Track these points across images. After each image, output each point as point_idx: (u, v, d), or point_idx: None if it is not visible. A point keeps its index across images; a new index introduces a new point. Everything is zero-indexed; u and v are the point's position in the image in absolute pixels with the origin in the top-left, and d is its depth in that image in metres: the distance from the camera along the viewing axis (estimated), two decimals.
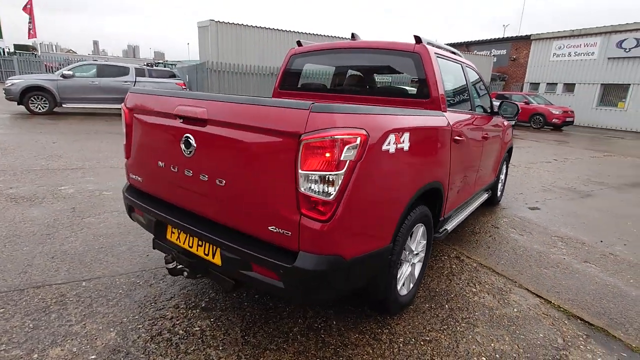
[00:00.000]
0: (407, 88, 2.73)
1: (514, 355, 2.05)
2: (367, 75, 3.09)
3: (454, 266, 3.08)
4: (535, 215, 4.56)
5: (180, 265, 2.03)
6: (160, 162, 2.05)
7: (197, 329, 2.08)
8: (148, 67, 13.89)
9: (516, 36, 22.62)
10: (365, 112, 1.62)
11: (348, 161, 1.48)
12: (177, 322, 2.13)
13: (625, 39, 16.89)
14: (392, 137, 1.75)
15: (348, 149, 1.46)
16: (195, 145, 1.81)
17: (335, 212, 1.50)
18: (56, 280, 2.47)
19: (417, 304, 2.48)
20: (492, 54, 23.28)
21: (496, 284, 2.83)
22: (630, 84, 17.05)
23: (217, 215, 1.85)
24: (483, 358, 2.00)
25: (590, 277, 3.04)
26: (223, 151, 1.72)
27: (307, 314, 2.28)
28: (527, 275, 3.01)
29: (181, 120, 1.88)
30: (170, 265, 2.02)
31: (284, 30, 14.15)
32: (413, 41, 2.63)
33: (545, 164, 8.17)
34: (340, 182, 1.47)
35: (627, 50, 16.87)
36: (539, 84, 20.99)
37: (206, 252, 1.92)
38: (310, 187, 1.47)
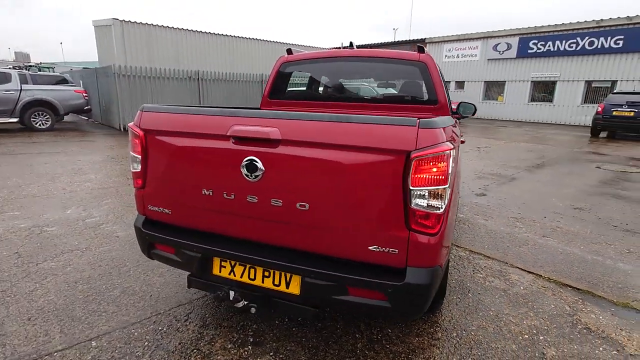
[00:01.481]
0: (416, 96, 2.87)
1: (545, 328, 2.33)
2: (371, 83, 3.14)
3: (451, 257, 3.34)
4: (486, 200, 5.18)
5: (242, 301, 1.83)
6: (205, 190, 1.81)
7: None
8: (30, 73, 11.80)
9: (414, 39, 25.06)
10: (448, 125, 1.68)
11: (451, 174, 1.52)
12: None
13: (499, 43, 20.06)
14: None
15: (451, 162, 1.50)
16: (263, 168, 1.65)
17: (442, 225, 1.53)
18: (55, 347, 2.00)
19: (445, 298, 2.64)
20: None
21: (494, 267, 3.16)
22: (505, 81, 20.34)
23: (295, 242, 1.72)
24: (526, 336, 2.24)
25: (555, 249, 3.59)
26: (305, 173, 1.60)
27: (360, 327, 2.26)
28: (511, 255, 3.43)
29: (234, 141, 1.70)
30: (240, 304, 1.80)
31: (202, 32, 13.35)
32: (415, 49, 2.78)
33: (465, 154, 9.27)
34: (447, 195, 1.50)
35: (501, 52, 20.05)
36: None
37: (276, 283, 1.77)
38: (421, 203, 1.48)
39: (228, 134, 1.70)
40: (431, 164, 1.44)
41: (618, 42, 15.95)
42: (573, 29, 17.21)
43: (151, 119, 1.93)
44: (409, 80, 2.89)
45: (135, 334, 2.13)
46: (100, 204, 4.46)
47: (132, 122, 2.01)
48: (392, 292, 1.54)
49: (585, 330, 2.32)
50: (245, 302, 1.81)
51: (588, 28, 16.74)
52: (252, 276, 1.83)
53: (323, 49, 18.33)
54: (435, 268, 1.58)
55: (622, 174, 7.07)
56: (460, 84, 22.52)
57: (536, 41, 18.42)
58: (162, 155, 1.92)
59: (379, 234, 1.55)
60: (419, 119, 1.46)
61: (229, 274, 1.87)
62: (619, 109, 12.02)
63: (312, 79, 3.25)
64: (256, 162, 1.65)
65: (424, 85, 2.76)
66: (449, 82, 22.78)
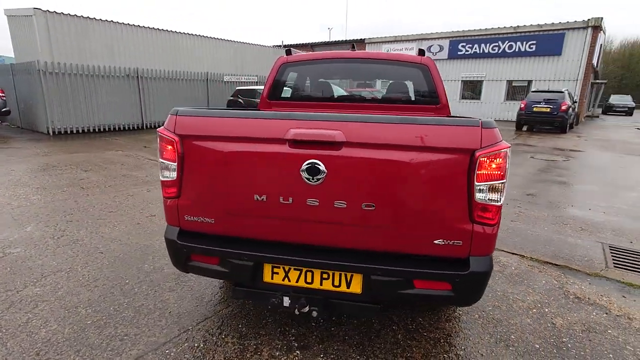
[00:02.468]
0: (418, 97, 3.02)
1: (546, 301, 2.64)
2: (372, 84, 3.22)
3: None
4: None
5: (307, 306, 1.81)
6: (259, 196, 1.76)
7: None
8: None
9: (352, 39, 25.85)
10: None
11: (508, 169, 1.67)
12: None
13: (432, 45, 21.56)
14: None
15: (508, 158, 1.65)
16: (326, 171, 1.65)
17: (499, 215, 1.67)
18: None
19: None
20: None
21: None
22: None
23: (358, 241, 1.74)
24: (534, 310, 2.52)
25: (525, 231, 4.03)
26: (371, 174, 1.64)
27: (393, 319, 2.36)
28: None
29: (290, 145, 1.68)
30: (306, 309, 1.78)
31: (142, 27, 12.37)
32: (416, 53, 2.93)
33: None
34: (504, 188, 1.65)
35: (434, 53, 21.56)
36: (376, 81, 24.74)
37: (336, 284, 1.79)
38: (483, 197, 1.61)
39: (286, 137, 1.67)
40: (493, 161, 1.57)
41: (532, 46, 18.08)
42: (495, 34, 19.12)
43: (189, 124, 1.81)
44: (412, 81, 3.04)
45: (172, 354, 1.99)
46: (63, 218, 3.99)
47: (163, 127, 1.87)
48: (459, 281, 1.66)
49: (576, 300, 2.67)
50: (305, 307, 1.79)
51: (507, 33, 18.72)
52: (309, 280, 1.82)
53: (268, 47, 18.12)
54: (491, 255, 1.73)
55: (553, 162, 8.09)
56: None
57: (464, 44, 20.12)
58: (204, 162, 1.81)
59: (444, 228, 1.65)
60: (480, 119, 1.58)
61: (283, 279, 1.84)
62: (538, 105, 13.66)
63: (312, 80, 3.25)
64: (318, 165, 1.65)
65: (426, 86, 2.93)
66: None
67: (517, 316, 2.44)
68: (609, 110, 28.49)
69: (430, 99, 2.93)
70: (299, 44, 28.74)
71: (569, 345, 2.16)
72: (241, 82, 16.02)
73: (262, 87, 13.40)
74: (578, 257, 3.41)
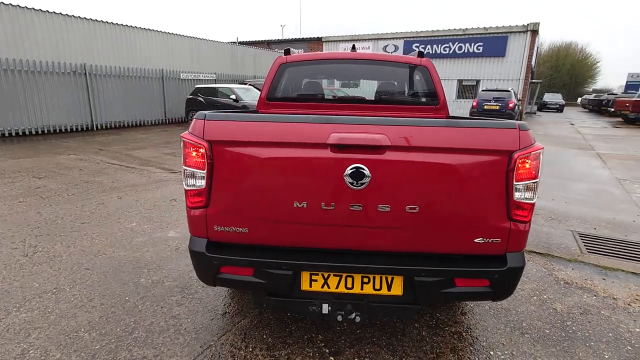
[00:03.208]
0: (419, 97, 3.08)
1: (542, 288, 2.84)
2: (373, 86, 3.23)
3: None
4: None
5: (341, 313, 1.79)
6: (298, 203, 1.71)
7: None
8: None
9: (310, 37, 25.88)
10: None
11: (541, 169, 1.76)
12: None
13: (387, 45, 22.22)
14: None
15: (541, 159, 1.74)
16: (370, 175, 1.64)
17: (532, 213, 1.77)
18: None
19: None
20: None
21: None
22: None
23: (400, 244, 1.75)
24: (535, 297, 2.71)
25: None
26: (415, 177, 1.66)
27: (413, 317, 2.40)
28: None
29: (332, 149, 1.65)
30: (353, 316, 1.75)
31: (90, 20, 11.36)
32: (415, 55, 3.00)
33: None
34: (537, 187, 1.74)
35: (390, 53, 22.25)
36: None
37: (377, 287, 1.80)
38: (520, 196, 1.69)
39: (329, 142, 1.63)
40: (529, 161, 1.66)
41: (479, 47, 19.28)
42: (446, 35, 20.12)
43: (219, 129, 1.71)
44: (412, 82, 3.11)
45: None
46: (29, 232, 3.59)
47: (188, 133, 1.75)
48: (498, 277, 1.73)
49: (567, 285, 2.90)
50: (352, 314, 1.77)
51: (457, 35, 19.79)
52: (349, 285, 1.80)
53: (225, 43, 17.54)
54: (524, 251, 1.82)
55: None
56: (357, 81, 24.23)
57: (418, 44, 20.94)
58: (238, 169, 1.72)
59: (484, 227, 1.71)
60: (518, 122, 1.66)
61: (322, 286, 1.81)
62: (488, 104, 14.62)
63: (312, 80, 3.20)
64: (363, 169, 1.64)
65: (426, 87, 3.01)
66: None
67: (522, 304, 2.60)
68: (543, 107, 31.19)
69: (431, 100, 3.02)
70: (256, 40, 28.22)
71: (574, 328, 2.34)
72: (199, 79, 15.40)
73: (226, 85, 12.98)
74: (555, 245, 3.71)
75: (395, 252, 1.79)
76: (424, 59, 3.00)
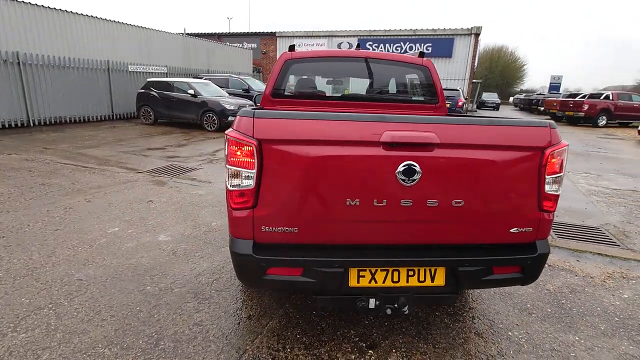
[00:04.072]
0: (421, 96, 3.18)
1: None
2: (377, 84, 3.27)
3: None
4: None
5: (390, 306, 1.84)
6: (351, 201, 1.72)
7: None
8: None
9: (263, 32, 25.41)
10: None
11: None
12: None
13: (342, 42, 22.55)
14: None
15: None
16: (421, 172, 1.70)
17: (556, 204, 1.95)
18: None
19: None
20: (244, 47, 25.17)
21: None
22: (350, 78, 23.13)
23: (444, 237, 1.84)
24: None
25: None
26: (461, 172, 1.75)
27: (431, 307, 2.52)
28: None
29: (385, 147, 1.69)
30: (405, 308, 1.80)
31: (25, 3, 10.09)
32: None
33: None
34: (562, 181, 1.92)
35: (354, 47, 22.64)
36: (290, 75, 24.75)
37: (421, 279, 1.87)
38: (549, 188, 1.85)
39: (382, 140, 1.67)
40: (557, 156, 1.83)
41: (428, 48, 20.30)
42: (397, 35, 20.91)
43: (269, 126, 1.67)
44: (415, 81, 3.21)
45: None
46: (6, 242, 3.18)
47: (234, 131, 1.68)
48: (529, 263, 1.89)
49: (551, 267, 3.22)
50: (405, 307, 1.83)
51: (408, 35, 20.66)
52: (395, 279, 1.85)
53: (176, 34, 16.61)
54: (547, 239, 2.00)
55: None
56: None
57: (372, 42, 21.54)
58: (290, 168, 1.69)
59: (520, 218, 1.85)
60: (548, 120, 1.81)
61: (370, 282, 1.84)
62: None
63: (319, 77, 3.17)
64: (414, 166, 1.69)
65: (427, 86, 3.14)
66: None
67: (519, 288, 2.84)
68: (482, 105, 33.72)
69: (431, 98, 3.16)
70: (206, 33, 27.08)
71: (569, 306, 2.62)
72: (149, 72, 14.47)
73: (182, 79, 12.33)
74: None
75: (438, 244, 1.87)
76: (425, 59, 3.13)
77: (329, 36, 22.80)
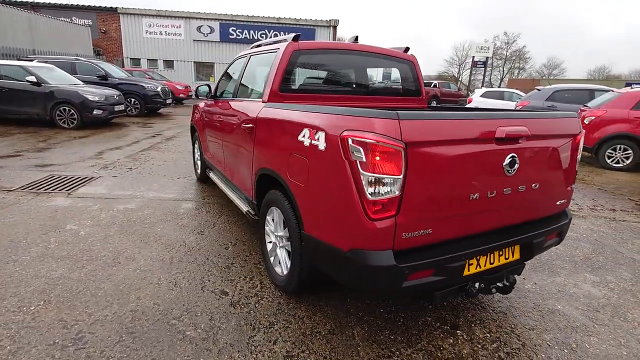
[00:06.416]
0: (408, 88, 3.32)
1: None
2: (376, 77, 3.21)
3: None
4: None
5: (479, 286, 2.03)
6: (473, 195, 1.80)
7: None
8: None
9: (100, 6, 21.16)
10: None
11: None
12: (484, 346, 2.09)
13: (202, 25, 20.85)
14: None
15: None
16: (518, 161, 1.92)
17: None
18: None
19: None
20: (74, 22, 20.56)
21: None
22: (214, 63, 21.71)
23: (522, 216, 2.11)
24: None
25: None
26: (539, 159, 2.04)
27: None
28: None
29: (496, 142, 1.84)
30: (505, 285, 2.00)
31: None
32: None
33: None
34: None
35: (205, 34, 21.00)
36: (140, 59, 21.46)
37: (507, 257, 2.12)
38: (577, 167, 2.33)
39: (497, 135, 1.79)
40: (581, 139, 2.31)
41: None
42: (261, 22, 20.72)
43: (416, 129, 1.59)
44: (402, 74, 3.34)
45: None
46: None
47: (374, 134, 1.54)
48: (565, 228, 2.35)
49: None
50: (494, 286, 2.05)
51: (272, 23, 20.71)
52: (492, 260, 2.04)
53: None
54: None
55: None
56: (169, 63, 21.83)
57: (235, 28, 20.74)
58: (429, 170, 1.66)
59: (563, 191, 2.28)
60: (576, 111, 2.27)
61: (476, 268, 1.97)
62: None
63: (323, 70, 2.95)
64: (515, 157, 1.89)
65: (412, 79, 3.34)
66: (156, 60, 21.52)
67: None
68: None
69: (415, 91, 3.40)
70: (15, 1, 20.89)
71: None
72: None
73: (14, 62, 9.41)
74: None
75: (516, 224, 2.14)
76: (410, 54, 3.33)
77: (186, 17, 20.80)
